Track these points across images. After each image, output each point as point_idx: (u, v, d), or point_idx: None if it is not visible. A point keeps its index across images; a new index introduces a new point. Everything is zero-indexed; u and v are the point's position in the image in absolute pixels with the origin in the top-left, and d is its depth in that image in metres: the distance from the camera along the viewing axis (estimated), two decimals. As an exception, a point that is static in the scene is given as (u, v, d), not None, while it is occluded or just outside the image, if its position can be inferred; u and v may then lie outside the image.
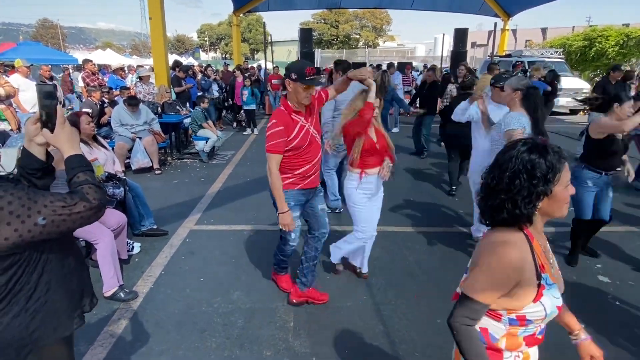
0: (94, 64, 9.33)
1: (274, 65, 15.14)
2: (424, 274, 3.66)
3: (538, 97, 3.36)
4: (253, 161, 7.75)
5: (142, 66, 14.42)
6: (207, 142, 7.59)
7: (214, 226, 4.69)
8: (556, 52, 15.38)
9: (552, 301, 1.26)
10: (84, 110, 6.63)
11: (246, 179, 6.55)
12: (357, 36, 50.98)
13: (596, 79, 16.99)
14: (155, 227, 4.38)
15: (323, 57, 31.56)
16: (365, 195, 3.19)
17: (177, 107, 8.24)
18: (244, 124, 11.09)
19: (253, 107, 10.43)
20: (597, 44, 17.72)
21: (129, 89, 7.74)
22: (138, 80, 9.08)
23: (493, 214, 1.27)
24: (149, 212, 4.40)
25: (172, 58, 16.02)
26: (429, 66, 10.88)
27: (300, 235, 3.10)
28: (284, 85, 2.93)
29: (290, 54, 44.12)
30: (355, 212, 3.26)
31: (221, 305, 3.17)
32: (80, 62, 13.87)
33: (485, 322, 1.29)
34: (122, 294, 3.22)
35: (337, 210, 5.06)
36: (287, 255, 3.23)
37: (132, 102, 6.55)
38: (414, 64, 21.11)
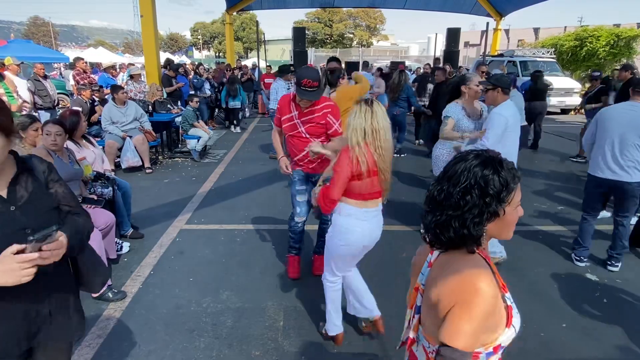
0: (86, 62, 9.24)
1: (267, 65, 15.10)
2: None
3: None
4: (245, 160, 7.72)
5: (133, 64, 14.32)
6: (198, 140, 7.56)
7: (204, 225, 4.66)
8: (548, 52, 15.48)
9: (517, 318, 1.15)
10: (74, 108, 6.59)
11: (238, 178, 6.52)
12: (351, 35, 50.99)
13: (587, 78, 17.11)
14: (130, 231, 4.27)
15: (317, 56, 31.50)
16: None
17: (169, 106, 8.19)
18: (235, 123, 11.13)
19: (238, 105, 10.72)
20: (588, 44, 17.87)
21: (121, 87, 7.68)
22: (129, 78, 9.01)
23: (438, 231, 1.13)
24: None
25: (165, 56, 15.95)
26: (432, 65, 10.87)
27: (308, 212, 3.37)
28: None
29: (284, 52, 44.06)
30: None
31: (210, 305, 3.15)
32: (71, 60, 13.72)
33: None
34: (110, 294, 3.19)
35: None
36: (296, 232, 3.42)
37: (116, 90, 6.53)
38: (407, 63, 21.13)
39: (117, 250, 3.85)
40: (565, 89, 13.79)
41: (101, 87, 8.09)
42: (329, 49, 43.94)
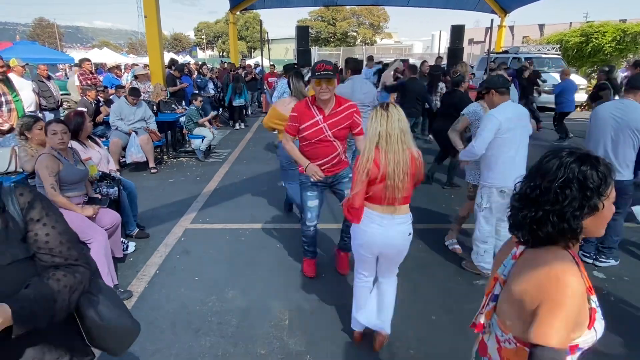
0: (91, 63, 9.27)
1: (271, 64, 15.10)
2: (420, 270, 3.65)
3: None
4: (250, 159, 7.73)
5: (137, 64, 14.38)
6: (203, 140, 7.57)
7: (209, 225, 4.67)
8: (553, 48, 15.38)
9: (601, 323, 1.15)
10: (79, 109, 6.63)
11: (242, 177, 6.53)
12: (355, 33, 50.89)
13: (593, 74, 17.01)
14: (136, 231, 4.28)
15: (320, 55, 31.47)
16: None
17: (173, 106, 8.21)
18: (239, 122, 11.28)
19: (243, 102, 11.02)
20: (593, 40, 17.74)
21: (123, 87, 7.72)
22: (133, 78, 9.05)
23: (534, 227, 1.14)
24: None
25: (169, 56, 16.01)
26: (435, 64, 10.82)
27: (319, 215, 3.37)
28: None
29: (287, 51, 44.05)
30: None
31: (216, 304, 3.16)
32: (76, 61, 13.78)
33: None
34: (116, 294, 3.20)
35: None
36: (308, 236, 3.43)
37: (134, 94, 6.55)
38: (411, 61, 21.04)
39: (123, 250, 3.86)
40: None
41: (106, 87, 8.13)
42: (332, 47, 43.89)
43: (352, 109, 3.13)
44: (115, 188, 3.90)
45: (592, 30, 18.05)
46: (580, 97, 13.74)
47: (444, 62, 15.42)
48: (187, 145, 8.34)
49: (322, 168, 3.17)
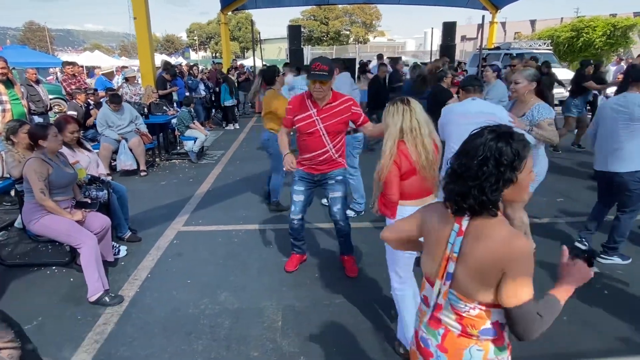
0: (74, 67, 9.08)
1: (263, 64, 15.06)
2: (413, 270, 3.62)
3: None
4: (243, 160, 7.69)
5: (127, 67, 14.28)
6: (195, 142, 7.52)
7: (202, 227, 4.64)
8: (544, 43, 15.44)
9: None
10: (69, 113, 6.55)
11: (236, 178, 6.49)
12: (348, 32, 50.87)
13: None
14: (127, 234, 4.23)
15: (313, 54, 31.42)
16: None
17: (165, 108, 8.15)
18: (232, 122, 11.32)
19: (231, 103, 11.17)
20: (584, 35, 17.84)
21: (114, 90, 7.65)
22: (124, 81, 8.96)
23: (458, 200, 1.28)
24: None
25: (161, 58, 15.91)
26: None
27: (304, 210, 3.42)
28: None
29: (280, 51, 43.96)
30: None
31: (208, 307, 3.13)
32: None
33: (497, 315, 1.29)
34: (107, 299, 3.16)
35: (361, 213, 4.86)
36: (294, 229, 3.47)
37: (115, 100, 6.45)
38: (404, 58, 21.06)
39: (115, 254, 3.82)
40: (563, 81, 13.71)
41: (96, 90, 8.05)
42: (325, 46, 43.87)
43: (348, 102, 3.17)
44: (105, 191, 3.85)
45: (582, 25, 18.16)
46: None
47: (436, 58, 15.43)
48: (179, 147, 8.29)
49: (310, 163, 3.24)
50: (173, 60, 26.42)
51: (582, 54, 18.14)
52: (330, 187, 3.31)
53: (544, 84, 3.62)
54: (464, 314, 1.32)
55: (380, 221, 4.56)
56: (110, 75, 10.70)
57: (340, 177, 3.30)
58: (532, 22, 36.72)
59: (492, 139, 1.23)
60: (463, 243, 1.29)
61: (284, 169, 3.20)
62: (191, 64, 14.58)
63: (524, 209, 3.47)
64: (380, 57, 11.50)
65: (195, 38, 62.01)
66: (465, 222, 1.30)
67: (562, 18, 29.95)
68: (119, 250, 3.92)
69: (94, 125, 7.05)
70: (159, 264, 3.79)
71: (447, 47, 14.82)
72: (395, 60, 12.19)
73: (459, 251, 1.29)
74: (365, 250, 3.95)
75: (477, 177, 1.22)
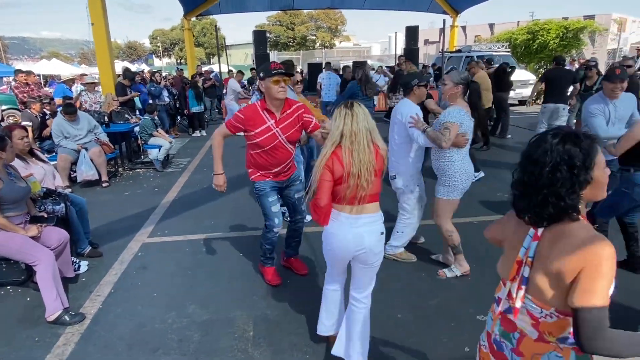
0: (29, 75, 8.65)
1: (229, 69, 14.90)
2: (384, 269, 3.63)
3: (475, 92, 3.44)
4: (210, 167, 7.45)
5: (86, 75, 13.80)
6: (160, 150, 7.32)
7: (168, 237, 4.49)
8: (503, 45, 15.99)
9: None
10: (23, 123, 6.23)
11: (203, 186, 6.35)
12: (314, 37, 51.09)
13: (541, 70, 17.85)
14: (88, 249, 4.05)
15: (280, 59, 31.35)
16: None
17: (126, 116, 7.90)
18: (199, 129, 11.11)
19: (198, 109, 10.96)
20: (539, 37, 18.62)
21: (70, 98, 7.34)
22: (84, 89, 8.63)
23: (537, 210, 1.22)
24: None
25: (124, 66, 15.45)
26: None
27: (283, 220, 3.37)
28: (260, 91, 3.00)
29: (247, 57, 43.67)
30: None
31: (176, 321, 3.02)
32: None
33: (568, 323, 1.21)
34: (67, 317, 3.00)
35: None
36: (272, 242, 3.32)
37: (69, 110, 6.15)
38: (370, 62, 21.33)
39: (75, 270, 3.64)
40: (522, 81, 14.26)
41: (52, 99, 7.71)
42: (292, 51, 43.85)
43: (300, 109, 3.06)
44: (62, 205, 3.67)
45: (537, 27, 18.96)
46: (530, 92, 14.36)
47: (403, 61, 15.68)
48: (143, 156, 8.05)
49: (277, 173, 3.13)
50: (135, 67, 25.77)
51: (538, 56, 18.96)
52: (296, 188, 3.31)
53: (472, 89, 3.58)
54: (540, 320, 1.27)
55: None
56: (70, 83, 10.22)
57: (301, 176, 3.31)
58: (491, 26, 38.08)
59: (557, 143, 1.18)
60: (539, 247, 1.25)
61: (216, 188, 3.16)
62: (154, 70, 14.19)
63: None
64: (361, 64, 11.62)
65: (158, 44, 60.64)
66: (541, 227, 1.26)
67: (518, 22, 31.20)
68: (79, 266, 3.74)
69: (50, 136, 6.75)
70: (123, 278, 3.63)
71: (411, 51, 15.10)
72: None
73: (535, 255, 1.25)
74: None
75: (552, 184, 1.18)
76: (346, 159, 2.16)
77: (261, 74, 2.86)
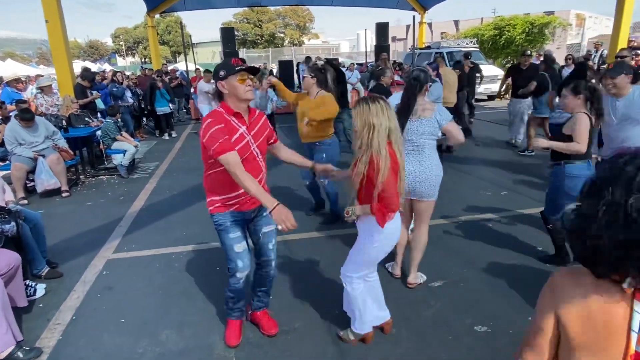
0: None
1: (196, 68, 14.42)
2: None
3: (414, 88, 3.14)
4: (180, 171, 7.15)
5: (42, 75, 12.98)
6: (124, 154, 6.87)
7: (136, 252, 4.13)
8: (471, 42, 16.18)
9: None
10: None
11: (172, 193, 5.98)
12: (282, 35, 50.57)
13: (507, 65, 18.21)
14: (45, 270, 3.65)
15: (249, 57, 30.86)
16: None
17: (87, 119, 7.38)
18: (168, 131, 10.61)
19: (164, 110, 10.40)
20: (506, 33, 18.99)
21: (25, 102, 6.78)
22: (39, 91, 8.02)
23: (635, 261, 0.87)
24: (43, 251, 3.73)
25: (83, 65, 14.64)
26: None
27: (250, 261, 2.60)
28: (219, 95, 2.40)
29: (214, 55, 42.74)
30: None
31: (147, 350, 2.70)
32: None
33: None
34: (20, 354, 2.63)
35: None
36: (237, 290, 2.60)
37: (26, 117, 5.64)
38: (340, 59, 21.19)
39: (29, 295, 3.26)
40: (490, 77, 14.45)
41: (3, 103, 7.11)
42: (261, 49, 43.23)
43: (263, 116, 2.59)
44: (13, 223, 3.26)
45: (504, 23, 19.34)
46: (498, 87, 14.58)
47: (371, 59, 15.63)
48: (107, 161, 7.55)
49: (241, 198, 2.47)
50: (97, 67, 24.66)
51: (505, 51, 19.34)
52: (265, 221, 2.62)
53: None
54: None
55: (324, 230, 4.34)
56: (14, 83, 9.23)
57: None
58: (456, 23, 38.65)
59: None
60: None
61: (280, 228, 2.14)
62: (115, 70, 13.48)
63: None
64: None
65: (121, 43, 58.48)
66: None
67: (482, 18, 31.82)
68: (35, 290, 3.35)
69: (2, 144, 6.19)
70: (86, 302, 3.27)
71: (381, 48, 15.03)
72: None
73: None
74: (323, 262, 3.71)
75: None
76: (398, 155, 2.24)
77: (221, 73, 2.28)
